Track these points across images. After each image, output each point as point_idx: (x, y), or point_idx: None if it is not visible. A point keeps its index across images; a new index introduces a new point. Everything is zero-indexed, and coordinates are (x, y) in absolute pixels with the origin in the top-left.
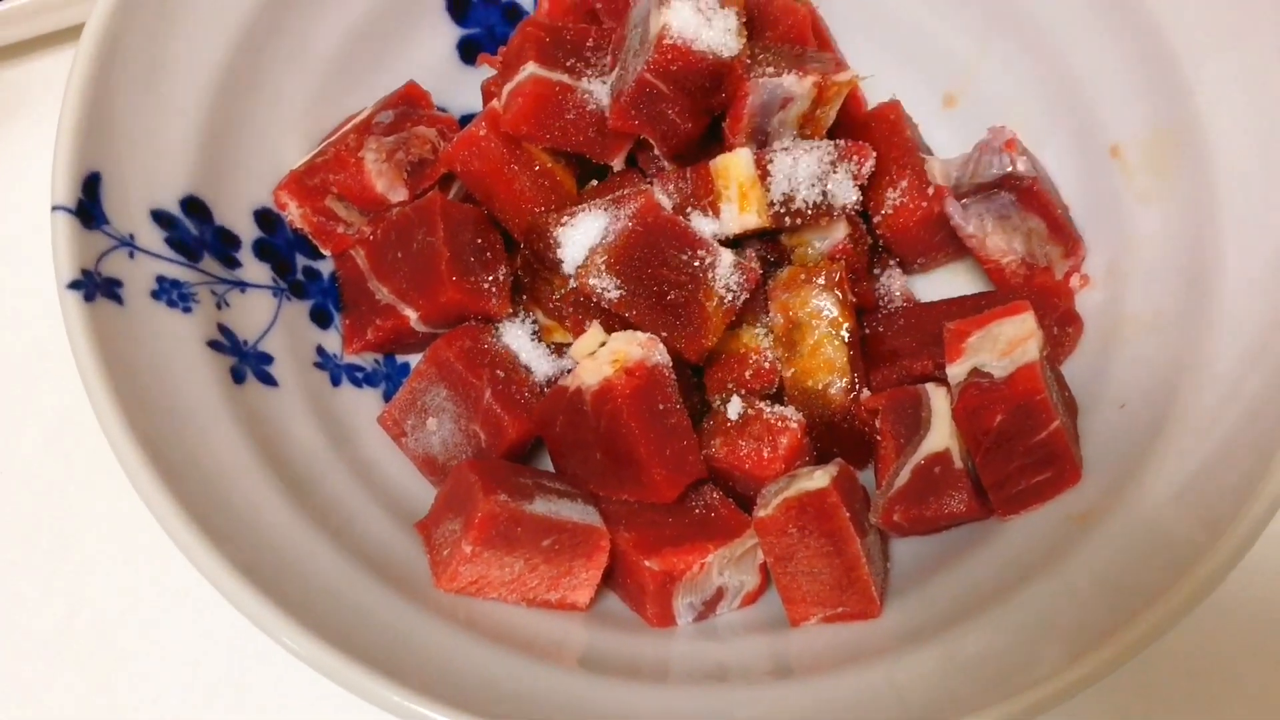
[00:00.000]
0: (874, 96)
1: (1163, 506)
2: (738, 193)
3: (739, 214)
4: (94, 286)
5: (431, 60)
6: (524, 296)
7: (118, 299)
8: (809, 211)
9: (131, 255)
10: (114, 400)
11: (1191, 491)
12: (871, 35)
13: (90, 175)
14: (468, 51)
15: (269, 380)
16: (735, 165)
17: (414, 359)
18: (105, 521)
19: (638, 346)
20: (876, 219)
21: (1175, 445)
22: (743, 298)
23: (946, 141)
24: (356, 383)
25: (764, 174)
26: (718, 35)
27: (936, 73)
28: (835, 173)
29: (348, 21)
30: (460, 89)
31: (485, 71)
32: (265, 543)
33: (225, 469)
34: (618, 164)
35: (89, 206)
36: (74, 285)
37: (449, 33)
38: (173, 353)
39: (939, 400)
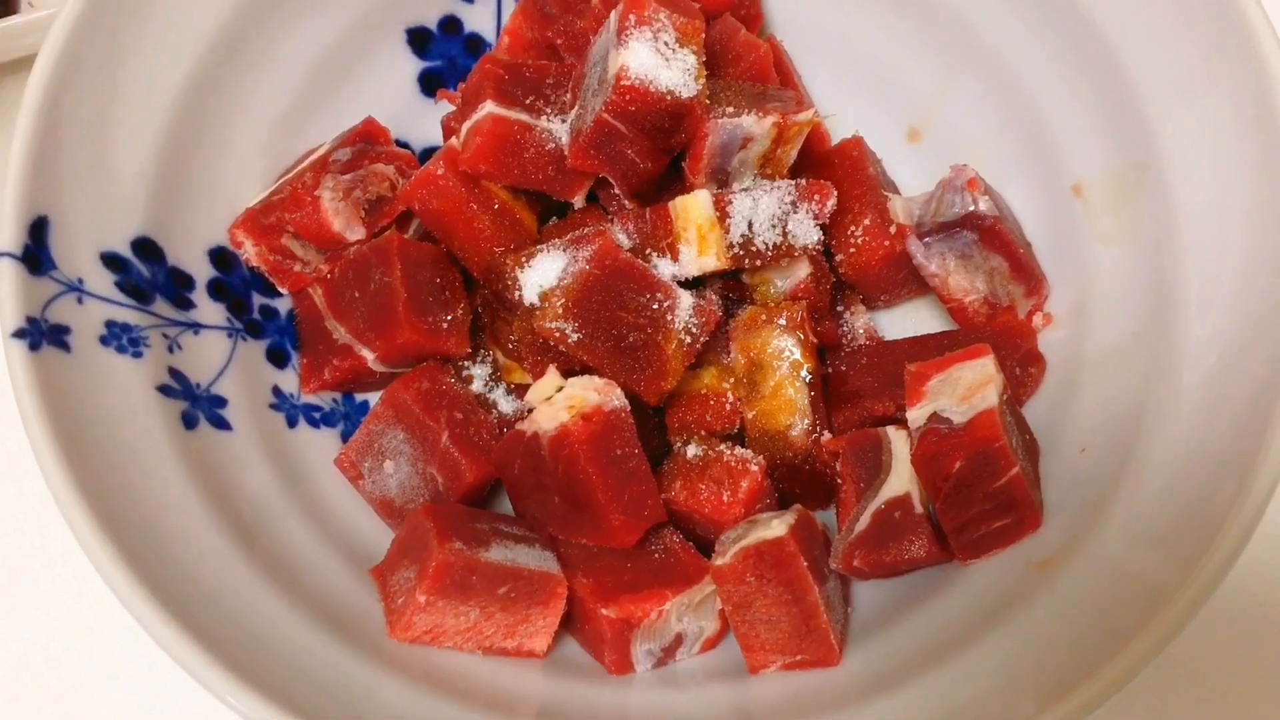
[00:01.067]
0: (837, 131)
1: (1126, 549)
2: (696, 235)
3: (697, 256)
4: (40, 335)
5: (392, 93)
6: (483, 335)
7: (65, 346)
8: (769, 252)
9: (80, 300)
10: (58, 454)
11: (1155, 533)
12: (835, 68)
13: (37, 220)
14: (429, 84)
15: (222, 424)
16: (694, 207)
17: (373, 397)
18: (60, 561)
19: (594, 392)
20: (839, 258)
21: (1138, 489)
22: (703, 339)
23: (911, 176)
24: (314, 423)
25: (723, 215)
26: (676, 75)
27: (901, 107)
28: (796, 213)
29: (306, 55)
30: (421, 122)
31: (446, 107)
32: (212, 597)
33: (172, 520)
34: (578, 201)
35: (36, 252)
36: (19, 334)
37: (410, 65)
38: (121, 400)
39: (899, 444)
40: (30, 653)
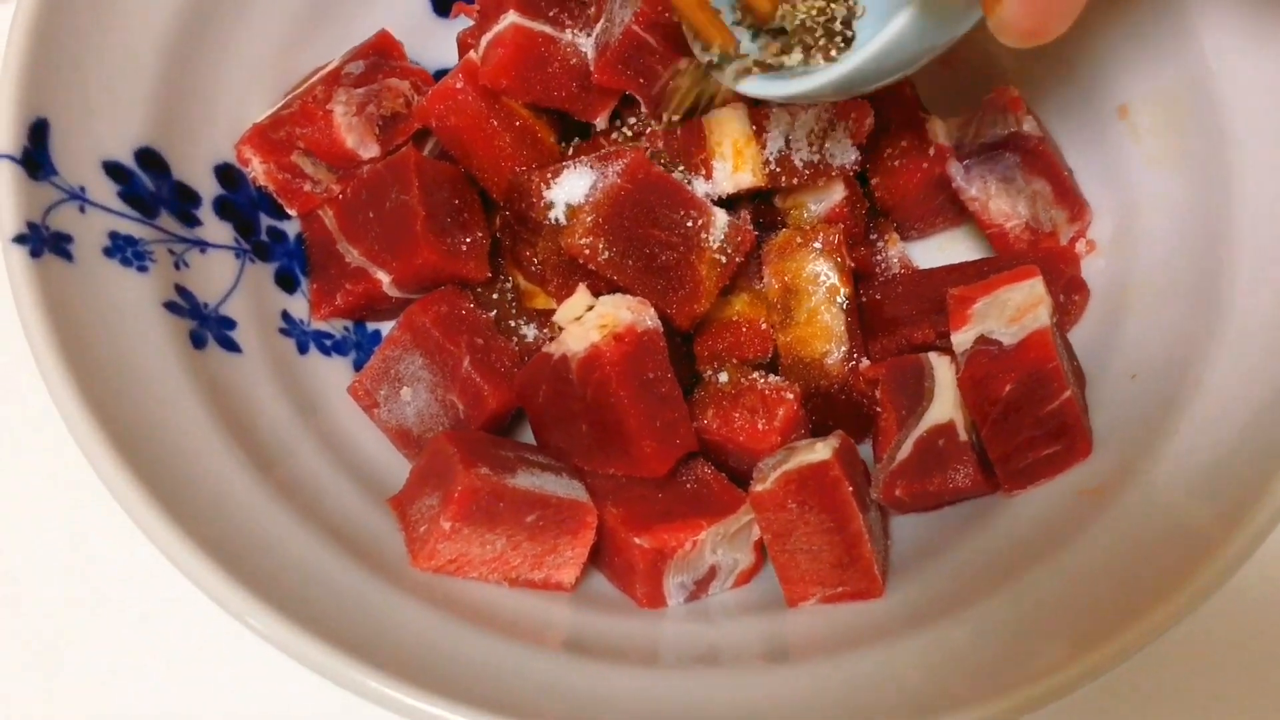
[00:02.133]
0: None
1: (1176, 489)
2: (731, 150)
3: (733, 173)
4: (41, 242)
5: (403, 10)
6: (503, 259)
7: (68, 255)
8: (806, 171)
9: (82, 209)
10: (64, 365)
11: (1206, 475)
12: None
13: (37, 121)
14: (441, 2)
15: (231, 346)
16: (729, 122)
17: (385, 326)
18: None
19: (627, 310)
20: (875, 181)
21: (1190, 422)
22: (737, 261)
23: (942, 95)
24: (325, 351)
25: (760, 131)
26: None
27: None
28: (834, 130)
29: None
30: (434, 42)
31: (460, 25)
32: (230, 518)
33: (186, 439)
34: (601, 122)
35: (36, 155)
36: (20, 239)
37: None
38: (127, 314)
39: (942, 369)
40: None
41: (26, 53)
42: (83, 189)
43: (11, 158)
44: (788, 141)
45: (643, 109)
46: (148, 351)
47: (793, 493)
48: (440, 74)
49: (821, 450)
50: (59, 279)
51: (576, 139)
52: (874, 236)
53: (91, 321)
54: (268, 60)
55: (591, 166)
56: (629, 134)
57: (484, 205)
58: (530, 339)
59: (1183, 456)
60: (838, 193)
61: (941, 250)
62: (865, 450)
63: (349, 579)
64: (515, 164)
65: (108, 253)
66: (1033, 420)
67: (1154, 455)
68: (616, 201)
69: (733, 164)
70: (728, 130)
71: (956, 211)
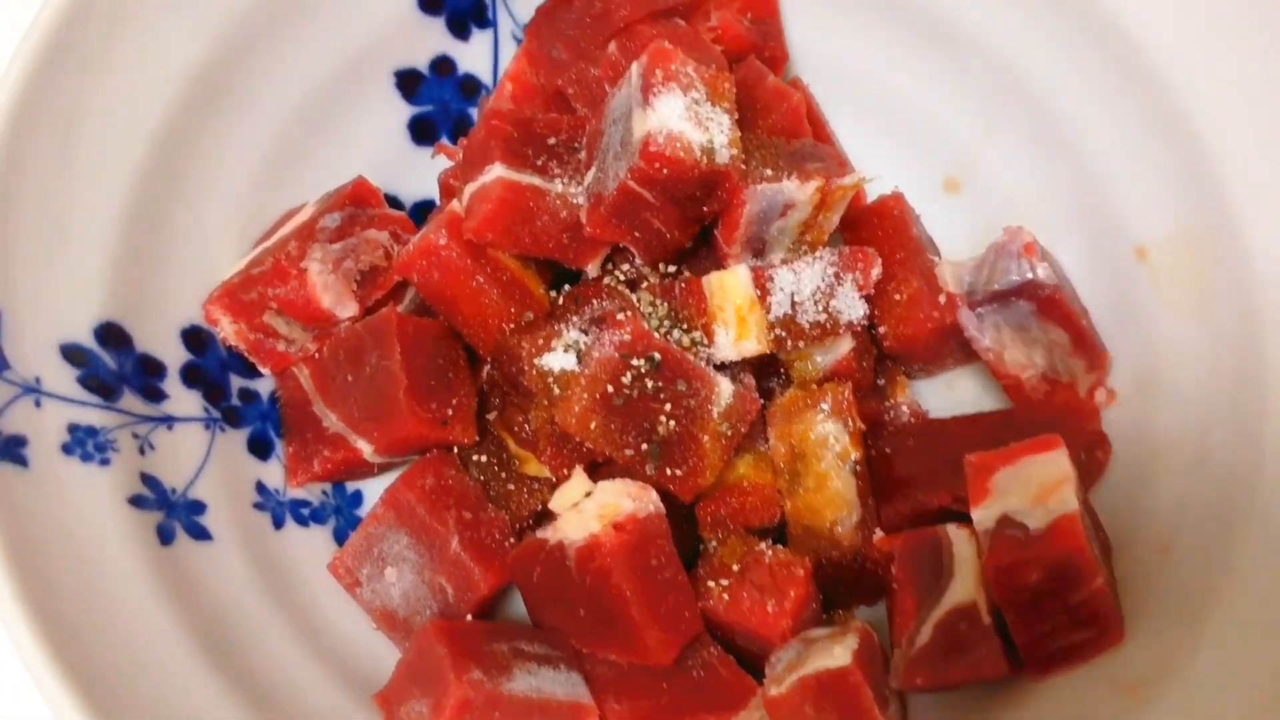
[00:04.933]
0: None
1: (1225, 691)
2: (735, 316)
3: (736, 341)
4: None
5: (379, 142)
6: (489, 417)
7: (22, 461)
8: (813, 333)
9: (38, 403)
10: (16, 592)
11: (1260, 660)
12: (862, 111)
13: None
14: (420, 131)
15: (201, 534)
16: (731, 285)
17: (366, 485)
18: None
19: (628, 498)
20: (883, 329)
21: (1236, 610)
22: (743, 431)
23: (949, 231)
24: (302, 521)
25: (764, 294)
26: (709, 138)
27: (937, 154)
28: (840, 285)
29: (286, 102)
30: (412, 173)
31: (440, 155)
32: None
33: (146, 656)
34: (592, 270)
35: None
36: None
37: (398, 111)
38: (88, 520)
39: (962, 544)
40: None
41: None
42: (38, 380)
43: None
44: (793, 303)
45: (636, 258)
46: (109, 560)
47: (810, 698)
48: (418, 207)
49: (840, 654)
50: (12, 490)
51: (567, 285)
52: (881, 381)
53: (48, 535)
54: (237, 202)
55: (585, 330)
56: (621, 278)
57: (469, 359)
58: (522, 502)
59: (1229, 651)
60: (845, 345)
61: (949, 387)
62: (875, 612)
63: None
64: (503, 320)
65: (66, 449)
66: (1062, 607)
67: (1198, 643)
68: (614, 377)
69: (736, 331)
70: (730, 294)
71: (966, 354)
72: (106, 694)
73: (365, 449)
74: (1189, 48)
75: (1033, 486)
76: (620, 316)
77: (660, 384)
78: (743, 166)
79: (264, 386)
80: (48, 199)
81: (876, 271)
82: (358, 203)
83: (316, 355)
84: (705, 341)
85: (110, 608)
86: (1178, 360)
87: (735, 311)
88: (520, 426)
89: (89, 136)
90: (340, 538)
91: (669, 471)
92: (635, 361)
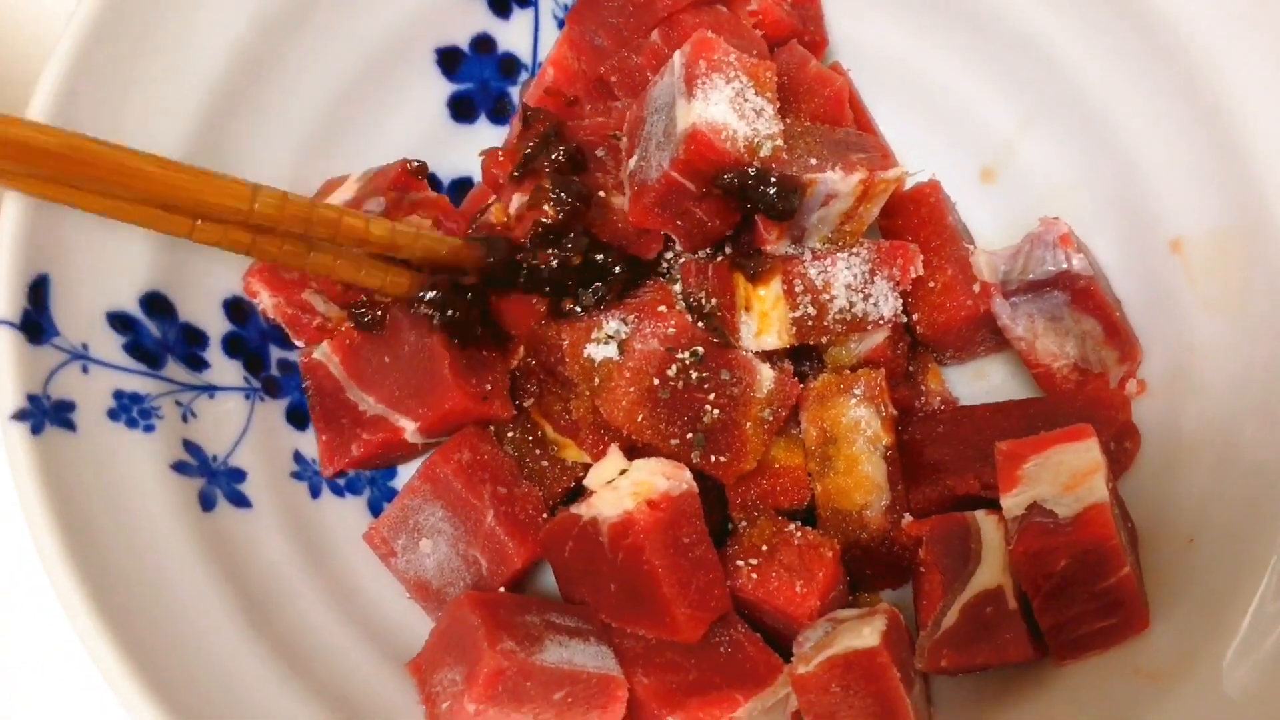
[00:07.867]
0: (907, 166)
1: (1247, 689)
2: (758, 311)
3: (757, 335)
4: (42, 414)
5: (420, 118)
6: (528, 404)
7: (70, 425)
8: (838, 328)
9: (85, 369)
10: (64, 551)
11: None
12: (900, 98)
13: (37, 279)
14: (459, 109)
15: (241, 501)
16: (761, 288)
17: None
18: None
19: (662, 477)
20: (916, 316)
21: (1263, 605)
22: (783, 415)
23: (984, 220)
24: (338, 491)
25: (790, 292)
26: (753, 129)
27: (973, 144)
28: (874, 281)
29: (329, 78)
30: (451, 150)
31: (479, 131)
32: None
33: (188, 618)
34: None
35: (36, 317)
36: (20, 415)
37: (439, 88)
38: (133, 484)
39: (990, 530)
40: None
41: (26, 204)
42: (85, 346)
43: (11, 324)
44: (820, 299)
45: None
46: (153, 524)
47: (837, 676)
48: (456, 184)
49: (869, 635)
50: (61, 453)
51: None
52: (913, 368)
53: (95, 499)
54: (280, 174)
55: (623, 320)
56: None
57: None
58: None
59: (1253, 647)
60: (879, 333)
61: (979, 375)
62: (899, 595)
63: None
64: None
65: (112, 415)
66: (1088, 594)
67: (1221, 635)
68: (659, 369)
69: (758, 325)
70: (757, 293)
71: (997, 342)
72: (150, 652)
73: (408, 427)
74: (1230, 39)
75: (1063, 475)
76: (662, 309)
77: (704, 374)
78: (785, 157)
79: None
80: None
81: (915, 268)
82: (401, 188)
83: (347, 341)
84: (728, 331)
85: (154, 570)
86: (1210, 354)
87: (759, 306)
88: (559, 415)
89: (137, 108)
90: (375, 508)
91: (713, 459)
92: (680, 355)
